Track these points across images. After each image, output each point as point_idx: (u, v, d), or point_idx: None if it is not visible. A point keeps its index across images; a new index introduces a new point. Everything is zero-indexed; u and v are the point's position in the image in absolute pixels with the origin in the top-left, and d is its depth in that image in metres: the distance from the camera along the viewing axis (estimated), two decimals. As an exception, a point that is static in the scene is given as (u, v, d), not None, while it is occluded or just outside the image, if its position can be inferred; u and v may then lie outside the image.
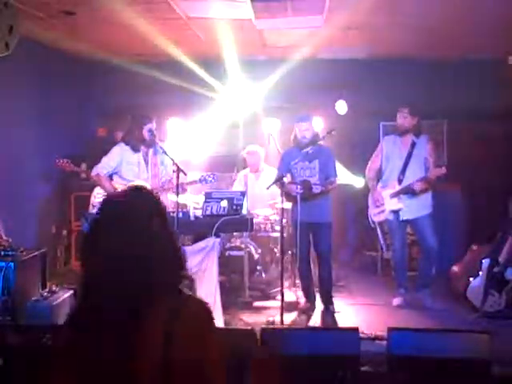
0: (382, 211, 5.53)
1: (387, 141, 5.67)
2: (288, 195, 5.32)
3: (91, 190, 5.59)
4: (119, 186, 5.02)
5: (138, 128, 5.08)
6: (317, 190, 5.21)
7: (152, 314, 1.48)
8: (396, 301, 5.47)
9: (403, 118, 5.45)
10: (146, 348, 1.45)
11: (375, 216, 5.63)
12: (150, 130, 5.08)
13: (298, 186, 5.20)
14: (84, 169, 6.20)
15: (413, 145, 5.43)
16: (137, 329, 1.46)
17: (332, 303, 5.42)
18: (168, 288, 1.54)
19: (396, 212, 5.46)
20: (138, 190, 1.66)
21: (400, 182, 5.45)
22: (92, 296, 1.54)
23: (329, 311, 5.36)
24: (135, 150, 5.11)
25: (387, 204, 5.49)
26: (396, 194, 5.44)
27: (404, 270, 5.64)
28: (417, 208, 5.42)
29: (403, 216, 5.44)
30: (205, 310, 1.55)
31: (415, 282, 5.62)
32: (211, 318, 1.55)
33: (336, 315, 5.28)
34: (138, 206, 1.59)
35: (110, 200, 1.67)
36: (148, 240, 1.53)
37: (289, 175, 5.39)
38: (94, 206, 5.21)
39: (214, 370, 1.49)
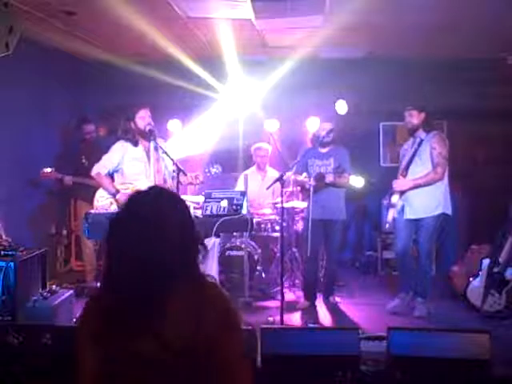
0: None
1: (404, 145, 5.56)
2: (302, 190, 5.62)
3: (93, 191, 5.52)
4: (120, 185, 4.96)
5: (131, 119, 4.93)
6: (329, 177, 5.35)
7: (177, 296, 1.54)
8: (390, 304, 5.28)
9: (409, 116, 5.30)
10: (175, 328, 1.51)
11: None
12: (144, 118, 4.92)
13: (311, 179, 5.34)
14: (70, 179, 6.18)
15: (420, 142, 5.23)
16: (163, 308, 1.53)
17: (333, 295, 5.57)
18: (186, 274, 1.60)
19: (402, 210, 5.24)
20: (160, 190, 1.73)
21: (403, 177, 5.25)
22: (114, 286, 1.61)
23: (329, 302, 5.50)
24: (135, 143, 4.95)
25: (392, 198, 5.28)
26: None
27: (405, 273, 5.35)
28: (421, 208, 5.17)
29: (407, 214, 5.21)
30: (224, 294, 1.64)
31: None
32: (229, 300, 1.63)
33: (335, 307, 5.41)
34: (160, 206, 1.64)
35: (134, 198, 1.71)
36: (166, 237, 1.60)
37: (305, 173, 5.51)
38: (97, 209, 5.07)
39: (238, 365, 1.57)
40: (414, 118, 5.27)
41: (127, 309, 1.54)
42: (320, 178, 5.40)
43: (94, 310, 1.63)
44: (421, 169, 5.18)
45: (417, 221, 5.22)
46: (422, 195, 5.17)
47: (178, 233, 1.62)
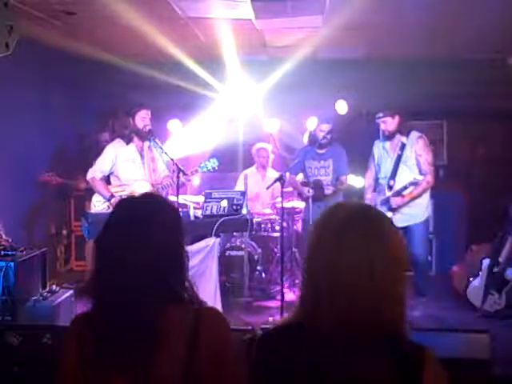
0: None
1: (377, 145, 5.40)
2: (300, 195, 5.55)
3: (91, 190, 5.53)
4: (115, 188, 4.94)
5: (131, 117, 4.88)
6: (328, 190, 5.34)
7: (169, 323, 1.45)
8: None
9: (384, 124, 5.17)
10: (166, 359, 1.42)
11: None
12: (144, 119, 4.87)
13: (310, 190, 5.30)
14: (75, 180, 6.18)
15: (402, 147, 5.09)
16: (154, 338, 1.43)
17: None
18: (177, 298, 1.51)
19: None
20: (151, 197, 1.64)
21: (390, 188, 5.12)
22: (103, 306, 1.53)
23: None
24: (128, 141, 4.88)
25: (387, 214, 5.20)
26: (385, 202, 5.16)
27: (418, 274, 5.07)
28: (407, 217, 5.09)
29: (397, 222, 4.93)
30: (224, 322, 1.54)
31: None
32: (229, 330, 1.54)
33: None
34: (151, 212, 1.54)
35: (124, 203, 1.62)
36: (156, 248, 1.49)
37: (301, 174, 5.52)
38: None
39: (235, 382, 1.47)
40: (389, 124, 5.14)
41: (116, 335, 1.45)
42: (319, 187, 5.37)
43: (82, 336, 1.54)
44: (409, 177, 5.04)
45: (406, 228, 5.09)
46: (410, 204, 5.09)
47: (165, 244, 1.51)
